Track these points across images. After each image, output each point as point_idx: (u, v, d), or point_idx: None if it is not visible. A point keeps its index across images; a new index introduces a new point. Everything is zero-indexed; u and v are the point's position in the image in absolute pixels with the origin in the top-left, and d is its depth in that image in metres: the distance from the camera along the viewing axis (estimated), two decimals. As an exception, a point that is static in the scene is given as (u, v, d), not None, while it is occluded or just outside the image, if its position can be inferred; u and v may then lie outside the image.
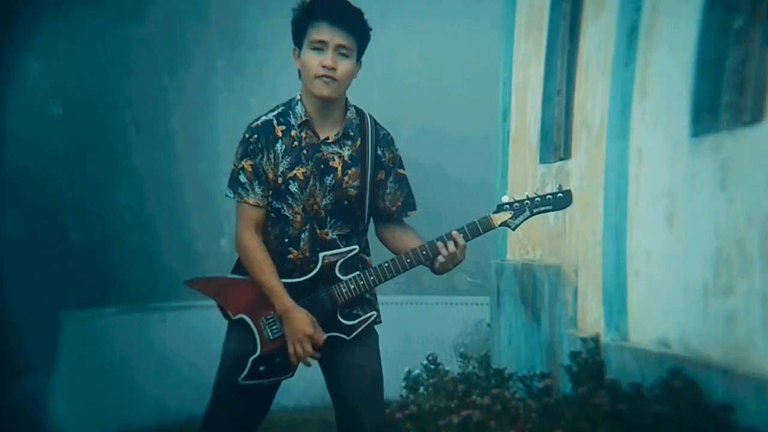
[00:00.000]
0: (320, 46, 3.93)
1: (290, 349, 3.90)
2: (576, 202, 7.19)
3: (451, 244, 3.91)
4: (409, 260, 3.94)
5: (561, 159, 7.67)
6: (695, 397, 4.96)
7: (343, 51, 3.95)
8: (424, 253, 3.94)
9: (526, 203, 3.98)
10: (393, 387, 7.20)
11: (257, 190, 3.99)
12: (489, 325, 9.46)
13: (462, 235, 3.92)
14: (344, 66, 3.95)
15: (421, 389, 7.78)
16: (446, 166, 20.27)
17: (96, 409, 14.37)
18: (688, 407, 4.91)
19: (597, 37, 6.88)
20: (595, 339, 6.37)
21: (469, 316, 16.26)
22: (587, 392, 5.70)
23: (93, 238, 20.16)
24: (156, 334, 15.55)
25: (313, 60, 3.93)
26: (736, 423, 4.68)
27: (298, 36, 3.99)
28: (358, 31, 3.99)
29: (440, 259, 3.92)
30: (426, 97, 21.61)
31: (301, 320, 3.90)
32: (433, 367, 7.94)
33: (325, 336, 3.91)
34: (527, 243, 8.37)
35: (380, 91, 20.56)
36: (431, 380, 7.79)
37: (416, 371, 8.04)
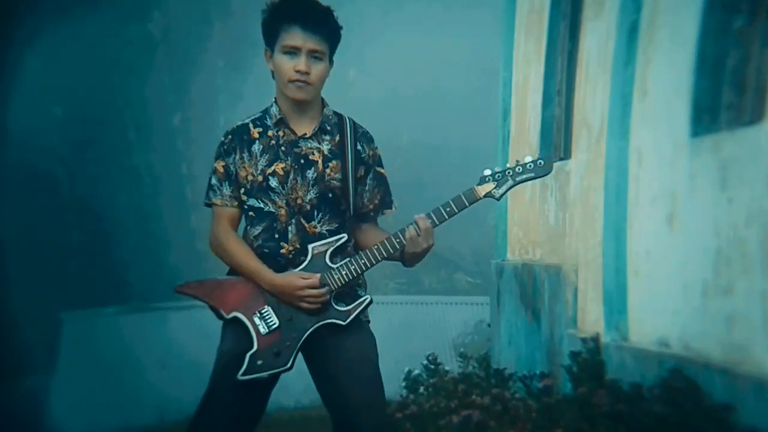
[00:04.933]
0: (293, 51, 3.96)
1: (303, 307, 3.93)
2: (576, 202, 7.24)
3: (413, 228, 3.93)
4: (398, 239, 3.97)
5: (561, 159, 7.67)
6: (695, 397, 4.96)
7: (316, 55, 3.97)
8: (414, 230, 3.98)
9: (508, 172, 4.01)
10: (393, 387, 7.21)
11: (226, 191, 4.04)
12: (489, 325, 9.47)
13: (448, 208, 3.96)
14: (317, 69, 3.98)
15: (421, 389, 7.78)
16: (446, 165, 20.28)
17: (97, 407, 14.38)
18: (688, 407, 4.92)
19: (597, 37, 6.89)
20: (595, 339, 6.38)
21: (469, 316, 16.26)
22: (587, 392, 5.71)
23: (93, 237, 20.19)
24: (156, 334, 15.55)
25: (287, 64, 3.96)
26: (736, 423, 4.68)
27: (270, 38, 4.03)
28: (330, 34, 4.02)
29: (421, 225, 3.92)
30: (426, 97, 21.61)
31: (288, 280, 3.93)
32: (433, 367, 7.94)
33: (317, 275, 3.93)
34: (527, 243, 8.38)
35: (380, 90, 20.57)
36: (431, 380, 7.79)
37: (416, 371, 8.04)
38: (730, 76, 5.24)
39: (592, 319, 6.65)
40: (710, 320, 5.15)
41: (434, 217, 3.96)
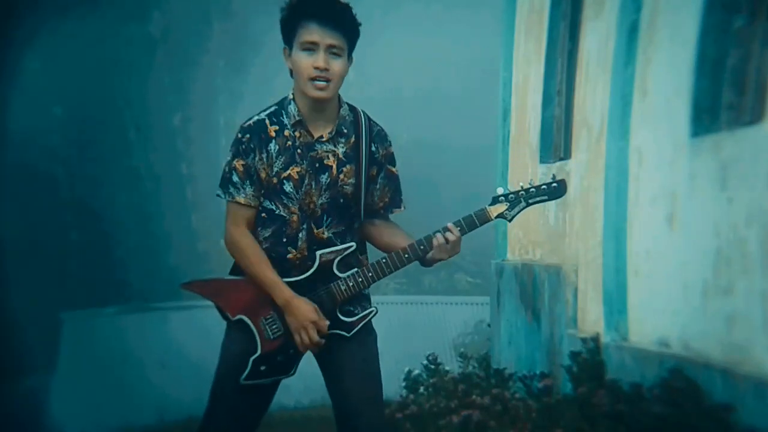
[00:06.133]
0: (311, 47, 3.90)
1: (296, 339, 3.90)
2: (576, 202, 7.24)
3: (449, 235, 3.92)
4: (407, 255, 3.95)
5: (561, 159, 7.68)
6: (695, 397, 4.96)
7: (335, 50, 3.91)
8: (422, 247, 3.94)
9: (521, 194, 3.99)
10: (393, 387, 7.20)
11: (248, 190, 3.96)
12: (489, 325, 9.47)
13: (459, 228, 3.93)
14: (336, 65, 3.91)
15: (421, 389, 7.78)
16: (446, 165, 20.28)
17: (97, 407, 14.39)
18: (688, 407, 4.92)
19: (597, 37, 6.89)
20: (595, 339, 6.38)
21: (469, 316, 16.27)
22: (587, 392, 5.71)
23: (93, 237, 20.19)
24: (156, 334, 15.55)
25: (305, 61, 3.90)
26: (736, 423, 4.68)
27: (288, 35, 3.97)
28: (348, 30, 3.96)
29: (450, 237, 3.91)
30: (425, 97, 21.61)
31: (304, 308, 3.90)
32: (433, 367, 7.94)
33: (328, 322, 3.91)
34: (527, 243, 8.38)
35: (380, 90, 20.57)
36: (431, 380, 7.79)
37: (416, 371, 8.03)
38: (730, 76, 5.24)
39: (592, 319, 6.65)
40: (710, 320, 5.15)
41: (442, 232, 3.94)
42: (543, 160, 8.06)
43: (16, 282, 18.29)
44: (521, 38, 8.85)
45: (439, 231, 3.94)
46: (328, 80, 3.91)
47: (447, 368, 8.11)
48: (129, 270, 20.12)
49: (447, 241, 3.92)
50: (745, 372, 4.72)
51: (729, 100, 5.23)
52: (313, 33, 3.89)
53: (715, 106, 5.34)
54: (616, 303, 6.25)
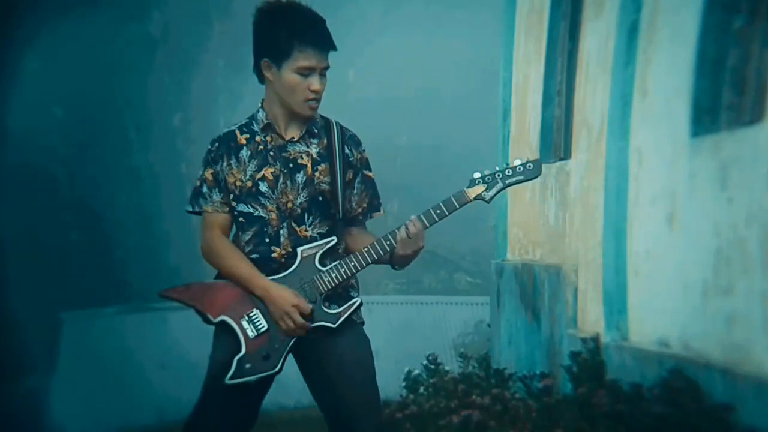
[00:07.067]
0: (307, 72, 4.01)
1: (282, 326, 3.93)
2: (576, 202, 7.24)
3: (410, 226, 3.95)
4: (388, 242, 3.99)
5: (561, 159, 7.68)
6: (695, 397, 4.97)
7: (324, 71, 4.05)
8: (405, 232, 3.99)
9: (498, 175, 4.03)
10: (393, 387, 7.20)
11: (216, 197, 4.06)
12: (489, 325, 9.47)
13: (439, 210, 3.97)
14: (324, 83, 4.06)
15: (421, 389, 7.78)
16: (445, 165, 20.27)
17: (96, 408, 14.37)
18: (688, 407, 4.92)
19: (597, 37, 6.89)
20: (595, 339, 6.38)
21: (469, 316, 16.25)
22: (587, 392, 5.71)
23: (93, 237, 20.18)
24: (156, 334, 15.54)
25: (301, 84, 4.00)
26: (736, 423, 4.69)
27: (278, 55, 4.06)
28: (332, 49, 4.08)
29: (411, 228, 3.94)
30: (426, 97, 21.61)
31: (283, 293, 3.94)
32: (433, 367, 7.94)
33: (310, 305, 3.94)
34: (527, 243, 8.38)
35: (380, 90, 20.57)
36: (431, 380, 7.79)
37: (416, 371, 8.03)
38: (730, 76, 5.24)
39: (592, 319, 6.65)
40: (710, 320, 5.16)
41: (424, 220, 3.98)
42: (543, 160, 8.04)
43: (16, 282, 18.28)
44: (521, 38, 8.85)
45: (419, 215, 3.99)
46: (318, 100, 4.04)
47: (447, 368, 8.11)
48: (129, 270, 20.10)
49: (408, 235, 3.95)
50: (745, 372, 4.72)
51: (729, 100, 5.23)
52: (311, 58, 4.01)
53: (715, 106, 5.34)
54: (616, 303, 6.25)
